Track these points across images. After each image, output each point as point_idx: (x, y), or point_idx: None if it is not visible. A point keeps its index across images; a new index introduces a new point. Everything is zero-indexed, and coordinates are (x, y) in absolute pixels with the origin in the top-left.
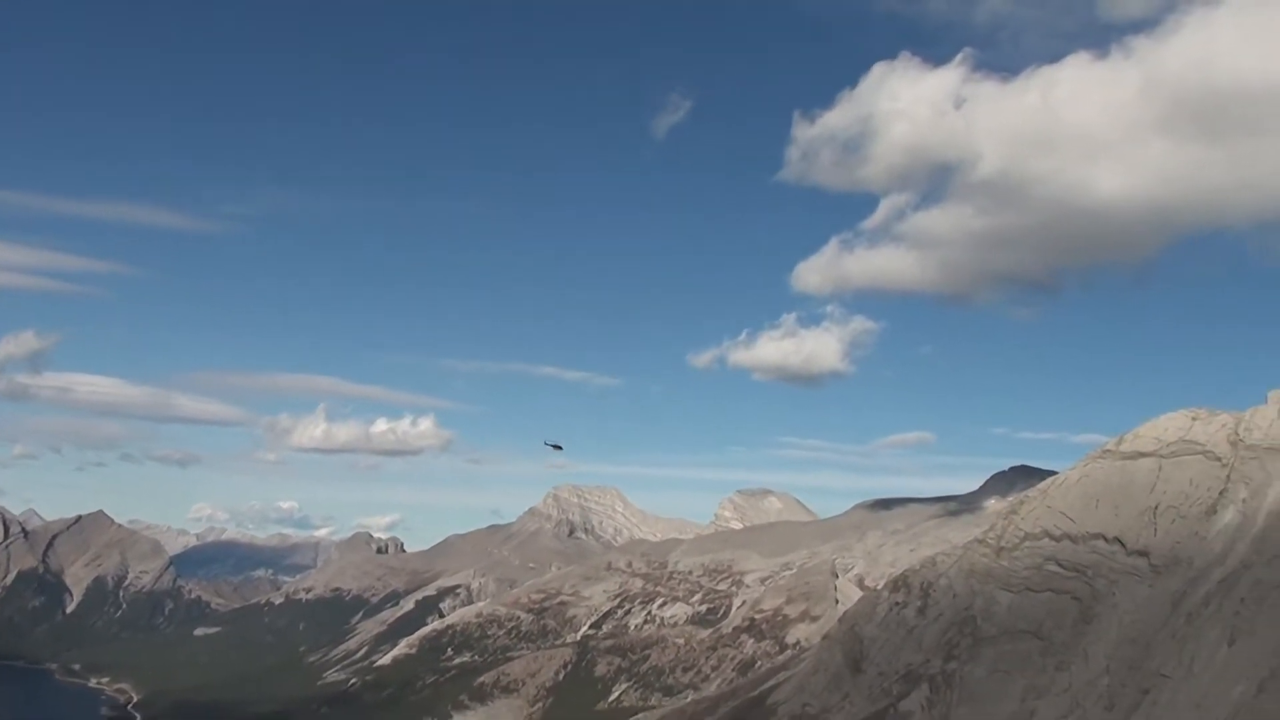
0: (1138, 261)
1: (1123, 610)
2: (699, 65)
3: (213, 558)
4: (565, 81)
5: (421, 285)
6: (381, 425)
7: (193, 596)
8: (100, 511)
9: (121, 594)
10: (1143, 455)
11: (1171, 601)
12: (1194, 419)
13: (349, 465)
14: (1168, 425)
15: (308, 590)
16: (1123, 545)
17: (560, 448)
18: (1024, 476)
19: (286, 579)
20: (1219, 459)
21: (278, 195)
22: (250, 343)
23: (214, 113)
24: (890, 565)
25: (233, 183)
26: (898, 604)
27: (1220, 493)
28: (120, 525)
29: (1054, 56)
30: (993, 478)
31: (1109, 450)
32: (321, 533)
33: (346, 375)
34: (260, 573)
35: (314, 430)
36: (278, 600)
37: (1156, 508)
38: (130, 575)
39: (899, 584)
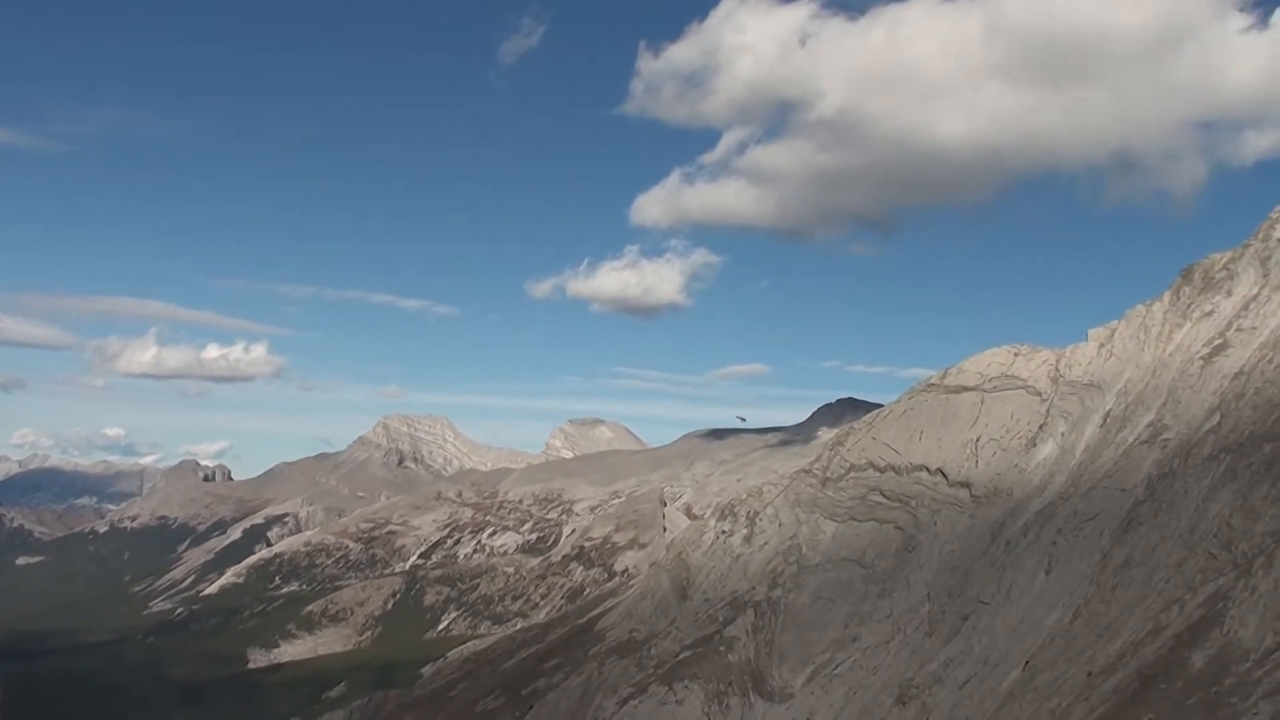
0: (972, 202)
1: (944, 539)
2: None
3: (35, 485)
4: (414, 3)
5: (257, 209)
6: (213, 351)
7: (14, 525)
8: None
9: None
10: (966, 389)
11: (991, 531)
12: (1016, 355)
13: (178, 391)
14: (991, 360)
15: (133, 518)
16: (945, 476)
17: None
18: (851, 409)
19: (111, 507)
20: (1039, 394)
21: (112, 115)
22: (79, 264)
23: (46, 30)
24: (717, 494)
25: (65, 101)
26: (724, 532)
27: (1040, 427)
28: None
29: None
30: (820, 409)
31: (933, 384)
32: (148, 460)
33: (178, 300)
34: (84, 500)
35: (143, 355)
36: (102, 529)
37: (978, 440)
38: None
39: (726, 512)
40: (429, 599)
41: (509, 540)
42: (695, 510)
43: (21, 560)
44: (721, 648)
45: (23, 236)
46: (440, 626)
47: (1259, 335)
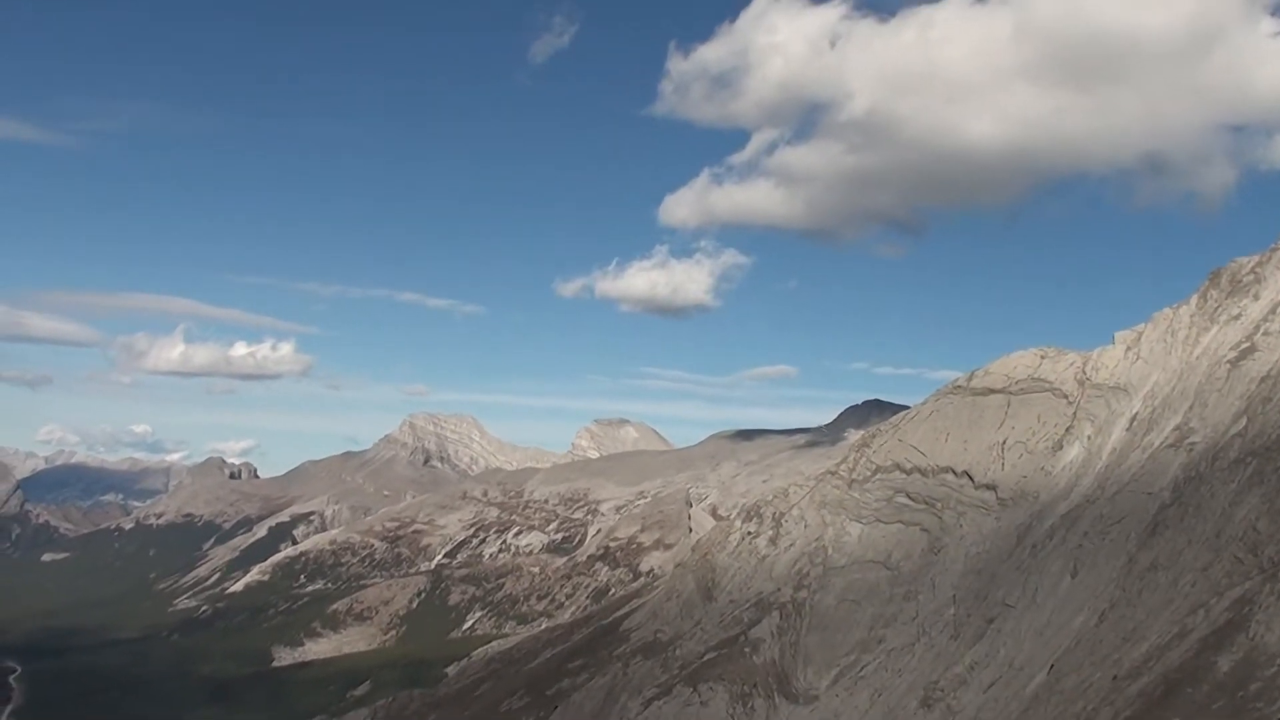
0: (1000, 204)
1: (969, 542)
2: None
3: (62, 481)
4: (445, 2)
5: (285, 207)
6: (240, 349)
7: (41, 521)
8: None
9: None
10: (993, 392)
11: (1017, 534)
12: (1043, 358)
13: (205, 389)
14: (1018, 363)
15: (159, 515)
16: (971, 479)
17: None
18: (877, 410)
19: (137, 504)
20: (1066, 397)
21: (139, 111)
22: (106, 261)
23: (74, 26)
24: (743, 495)
25: (91, 97)
26: (750, 533)
27: (1066, 429)
28: None
29: None
30: (846, 411)
31: (960, 386)
32: (174, 457)
33: (206, 297)
34: (110, 497)
35: (171, 352)
36: (128, 525)
37: (1004, 443)
38: None
39: (751, 513)
40: (454, 598)
41: (534, 540)
42: (721, 511)
43: (48, 557)
44: (746, 649)
45: (50, 234)
46: (465, 626)
47: None
